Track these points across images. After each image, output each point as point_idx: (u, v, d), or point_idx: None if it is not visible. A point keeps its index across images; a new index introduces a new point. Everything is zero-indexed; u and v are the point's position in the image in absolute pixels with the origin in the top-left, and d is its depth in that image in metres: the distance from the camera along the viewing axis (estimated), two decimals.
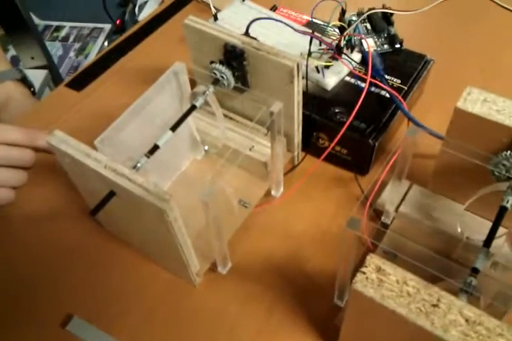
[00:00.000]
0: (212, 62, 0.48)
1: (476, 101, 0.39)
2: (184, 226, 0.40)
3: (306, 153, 0.56)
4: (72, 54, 1.57)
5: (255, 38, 0.49)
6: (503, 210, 0.36)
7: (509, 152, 0.37)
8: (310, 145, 0.55)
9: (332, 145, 0.50)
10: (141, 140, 0.43)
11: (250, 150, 0.51)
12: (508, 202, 0.36)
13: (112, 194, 0.39)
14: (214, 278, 0.48)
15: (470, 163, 0.40)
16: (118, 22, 1.52)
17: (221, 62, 0.47)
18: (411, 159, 0.42)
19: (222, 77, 0.47)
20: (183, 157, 0.55)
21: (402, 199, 0.49)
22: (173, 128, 0.44)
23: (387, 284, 0.30)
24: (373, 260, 0.31)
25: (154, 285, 0.48)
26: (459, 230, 0.44)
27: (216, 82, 0.47)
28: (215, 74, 0.47)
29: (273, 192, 0.53)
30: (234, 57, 0.47)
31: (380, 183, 0.50)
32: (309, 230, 0.51)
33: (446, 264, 0.35)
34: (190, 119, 0.52)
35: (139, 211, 0.40)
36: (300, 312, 0.45)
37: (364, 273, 0.31)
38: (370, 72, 0.50)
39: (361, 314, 0.33)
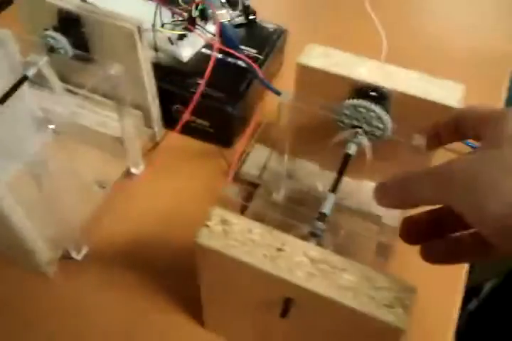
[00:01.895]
0: (47, 29, 0.44)
1: (317, 56, 0.39)
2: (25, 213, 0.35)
3: (169, 130, 0.53)
4: None
5: (93, 4, 0.45)
6: (347, 157, 0.36)
7: (349, 101, 0.37)
8: (171, 121, 0.52)
9: (187, 113, 0.48)
10: None
11: (102, 126, 0.47)
12: (350, 148, 0.36)
13: None
14: (70, 267, 0.43)
15: (319, 118, 0.40)
16: None
17: (56, 29, 0.43)
18: (279, 127, 0.41)
19: (59, 46, 0.43)
20: (27, 140, 0.49)
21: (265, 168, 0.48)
22: (1, 101, 0.40)
23: (232, 234, 0.29)
24: (216, 212, 0.29)
25: (4, 283, 0.42)
26: (321, 189, 0.44)
27: (52, 50, 0.43)
28: (49, 42, 0.43)
29: (133, 170, 0.50)
30: (70, 23, 0.43)
31: (246, 154, 0.50)
32: (175, 208, 0.48)
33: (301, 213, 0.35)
34: (30, 96, 0.47)
35: None
36: (167, 292, 0.43)
37: (208, 226, 0.29)
38: (218, 36, 0.49)
39: (212, 271, 0.31)
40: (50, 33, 0.43)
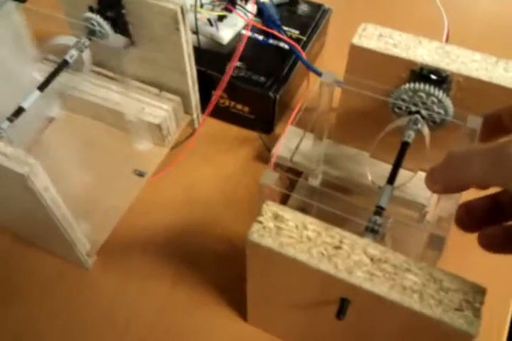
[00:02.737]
0: (87, 12, 0.42)
1: (372, 37, 0.37)
2: (61, 199, 0.34)
3: (207, 114, 0.51)
4: None
5: None
6: (405, 145, 0.33)
7: (407, 85, 0.34)
8: (210, 106, 0.50)
9: (218, 93, 0.46)
10: None
11: (141, 112, 0.46)
12: (409, 136, 0.34)
13: None
14: (109, 257, 0.42)
15: (371, 103, 0.38)
16: None
17: (96, 12, 0.42)
18: (324, 112, 0.39)
19: (99, 29, 0.42)
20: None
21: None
22: (41, 88, 0.38)
23: (285, 231, 0.27)
24: (270, 207, 0.28)
25: (39, 271, 0.42)
26: (370, 178, 0.41)
27: (92, 33, 0.42)
28: (90, 25, 0.42)
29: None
30: (110, 5, 0.41)
31: (285, 138, 0.47)
32: (215, 194, 0.47)
33: (354, 206, 0.33)
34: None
35: (2, 184, 0.34)
36: (210, 283, 0.41)
37: (260, 222, 0.27)
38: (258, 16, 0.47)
39: (263, 268, 0.29)
40: (90, 14, 0.41)
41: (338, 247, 0.26)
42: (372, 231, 0.29)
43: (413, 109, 0.35)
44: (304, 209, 0.42)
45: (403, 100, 0.35)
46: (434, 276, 0.25)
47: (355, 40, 0.36)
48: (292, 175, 0.47)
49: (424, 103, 0.34)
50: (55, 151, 0.48)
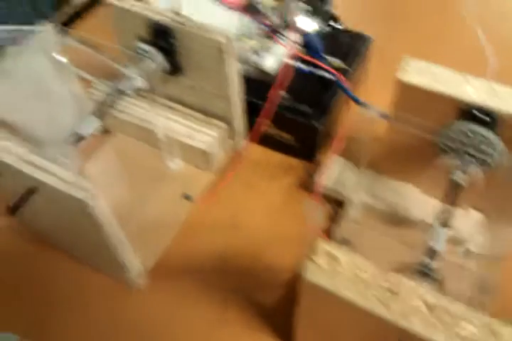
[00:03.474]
0: (140, 42, 0.43)
1: (417, 72, 0.37)
2: (117, 221, 0.35)
3: (251, 141, 0.52)
4: None
5: (184, 16, 0.44)
6: (452, 184, 0.34)
7: (456, 124, 0.35)
8: (254, 133, 0.51)
9: (264, 122, 0.47)
10: (9, 106, 0.39)
11: (189, 138, 0.47)
12: (457, 175, 0.34)
13: (30, 191, 0.34)
14: (159, 279, 0.43)
15: (417, 138, 0.38)
16: None
17: (149, 42, 0.43)
18: (367, 142, 0.40)
19: (152, 58, 0.43)
20: None
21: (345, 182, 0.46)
22: (98, 115, 0.40)
23: (340, 272, 0.27)
24: (323, 246, 0.28)
25: (88, 291, 0.43)
26: (416, 215, 0.42)
27: (144, 63, 0.43)
28: (143, 55, 0.43)
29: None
30: (162, 36, 0.42)
31: (329, 168, 0.48)
32: (260, 221, 0.48)
33: (404, 249, 0.33)
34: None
35: (62, 207, 0.35)
36: (255, 309, 0.42)
37: (314, 260, 0.28)
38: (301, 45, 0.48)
39: (314, 306, 0.30)
40: (143, 45, 0.43)
41: (393, 292, 0.26)
42: (425, 275, 0.29)
43: (462, 147, 0.35)
44: (348, 240, 0.43)
45: (451, 139, 0.35)
46: (493, 328, 0.25)
47: (400, 76, 0.37)
48: (334, 203, 0.47)
49: (472, 142, 0.34)
50: (104, 171, 0.50)
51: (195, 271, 0.44)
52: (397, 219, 0.44)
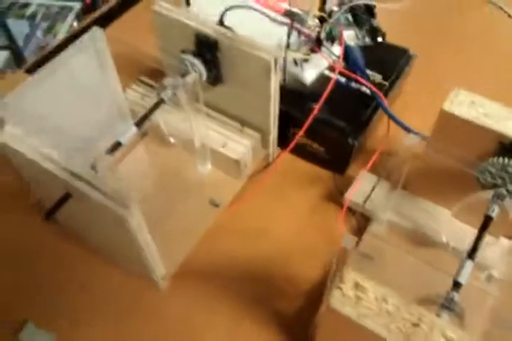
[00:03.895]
0: (183, 52, 0.44)
1: (463, 103, 0.37)
2: (147, 231, 0.37)
3: (282, 150, 0.53)
4: (39, 33, 1.48)
5: (229, 28, 0.45)
6: (488, 220, 0.34)
7: (496, 158, 0.35)
8: (287, 143, 0.52)
9: (299, 133, 0.48)
10: (53, 107, 0.40)
11: (223, 147, 0.48)
12: (493, 211, 0.34)
13: (66, 196, 0.36)
14: (181, 282, 0.45)
15: (454, 167, 0.38)
16: (87, 0, 1.46)
17: (192, 53, 0.44)
18: (402, 162, 0.40)
19: (194, 69, 0.44)
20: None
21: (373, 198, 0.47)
22: (138, 124, 0.41)
23: (365, 302, 0.28)
24: (351, 275, 0.29)
25: (115, 289, 0.45)
26: (444, 239, 0.42)
27: (186, 74, 0.44)
28: (185, 65, 0.44)
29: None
30: (206, 48, 0.43)
31: (359, 183, 0.48)
32: (286, 232, 0.48)
33: (430, 272, 0.33)
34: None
35: (97, 215, 0.37)
36: (273, 318, 0.43)
37: (341, 289, 0.29)
38: (342, 59, 0.48)
39: (336, 332, 0.30)
40: (188, 56, 0.44)
41: (416, 325, 0.27)
42: (448, 309, 0.29)
43: (499, 182, 0.35)
44: (370, 256, 0.44)
45: (490, 173, 0.35)
46: None
47: (446, 106, 0.37)
48: (361, 218, 0.48)
49: (510, 178, 0.34)
50: (135, 172, 0.51)
51: (217, 276, 0.45)
52: (423, 240, 0.44)
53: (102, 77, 0.45)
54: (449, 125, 0.37)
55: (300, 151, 0.52)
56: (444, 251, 0.41)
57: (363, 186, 0.48)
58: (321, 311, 0.40)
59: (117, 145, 0.40)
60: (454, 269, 0.33)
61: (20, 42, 1.33)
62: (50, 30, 1.49)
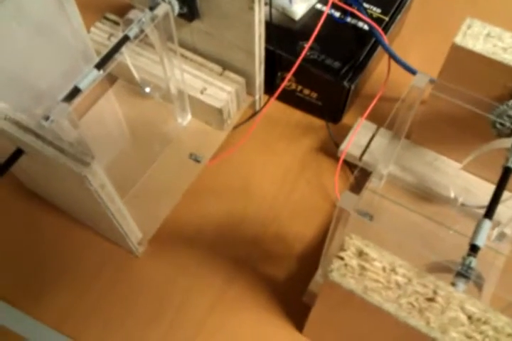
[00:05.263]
0: None
1: (478, 36, 0.32)
2: (115, 191, 0.32)
3: (270, 97, 0.47)
4: None
5: None
6: (507, 172, 0.29)
7: None
8: (275, 89, 0.46)
9: (287, 76, 0.42)
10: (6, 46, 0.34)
11: (202, 93, 0.42)
12: None
13: (18, 152, 0.31)
14: (161, 246, 0.41)
15: (466, 111, 0.33)
16: None
17: None
18: (413, 114, 0.35)
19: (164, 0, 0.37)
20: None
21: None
22: (99, 66, 0.35)
23: (371, 273, 0.24)
24: (353, 241, 0.25)
25: (89, 254, 0.40)
26: (452, 195, 0.37)
27: (156, 6, 0.37)
28: None
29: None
30: None
31: (355, 133, 0.43)
32: (273, 186, 0.44)
33: (439, 234, 0.29)
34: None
35: (56, 173, 0.32)
36: (262, 285, 0.39)
37: (342, 258, 0.24)
38: None
39: (337, 307, 0.27)
40: None
41: (431, 299, 0.23)
42: (465, 277, 0.25)
43: None
44: (370, 214, 0.40)
45: (509, 116, 0.30)
46: None
47: (459, 40, 0.31)
48: (359, 172, 0.43)
49: None
50: (103, 124, 0.46)
51: (200, 239, 0.41)
52: (428, 196, 0.40)
53: (60, 12, 0.38)
54: (462, 62, 0.32)
55: (290, 98, 0.47)
56: (451, 209, 0.37)
57: (360, 136, 0.43)
58: (316, 278, 0.37)
59: (75, 92, 0.34)
60: (464, 229, 0.29)
61: None
62: None
